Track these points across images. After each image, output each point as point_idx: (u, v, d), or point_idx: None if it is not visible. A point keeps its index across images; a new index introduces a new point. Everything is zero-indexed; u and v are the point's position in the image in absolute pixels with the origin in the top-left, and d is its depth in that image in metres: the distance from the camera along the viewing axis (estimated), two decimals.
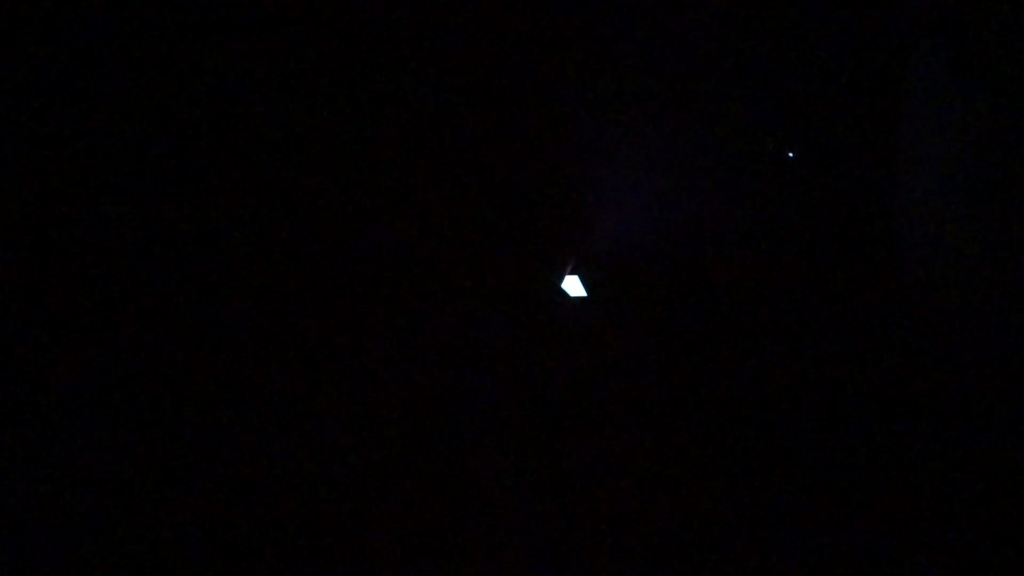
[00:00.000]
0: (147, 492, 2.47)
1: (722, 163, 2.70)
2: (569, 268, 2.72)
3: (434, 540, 2.46)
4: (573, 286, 2.73)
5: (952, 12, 2.43)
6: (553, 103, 2.70)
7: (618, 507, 2.50)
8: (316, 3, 2.59)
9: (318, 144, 2.65)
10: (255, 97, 2.61)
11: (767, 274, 2.68)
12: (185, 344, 2.57)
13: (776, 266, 2.68)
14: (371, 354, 2.61)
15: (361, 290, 2.64)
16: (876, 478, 2.47)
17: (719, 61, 2.69)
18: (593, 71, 2.69)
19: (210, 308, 2.59)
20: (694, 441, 2.57)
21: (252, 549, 2.43)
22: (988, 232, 2.39)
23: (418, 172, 2.67)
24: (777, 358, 2.62)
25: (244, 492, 2.49)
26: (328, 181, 2.65)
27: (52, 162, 2.52)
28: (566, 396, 2.61)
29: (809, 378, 2.58)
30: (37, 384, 2.48)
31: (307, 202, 2.65)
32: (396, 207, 2.66)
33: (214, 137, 2.61)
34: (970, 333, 2.49)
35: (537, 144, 2.70)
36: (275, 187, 2.63)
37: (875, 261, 2.64)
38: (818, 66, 2.65)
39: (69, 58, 2.51)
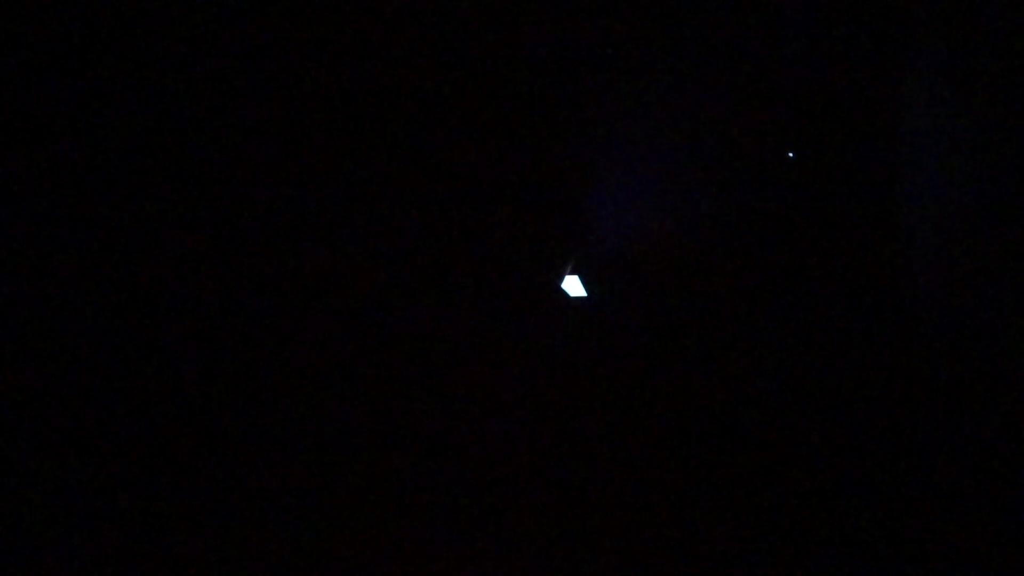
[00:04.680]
0: (146, 492, 2.47)
1: (722, 163, 2.70)
2: (569, 268, 2.72)
3: (432, 542, 2.46)
4: (573, 286, 2.72)
5: (952, 12, 2.43)
6: (553, 102, 2.70)
7: (618, 509, 2.50)
8: (315, 4, 2.59)
9: (317, 143, 2.65)
10: (253, 96, 2.62)
11: (768, 274, 2.68)
12: (184, 345, 2.57)
13: (777, 266, 2.68)
14: (367, 354, 2.61)
15: (359, 290, 2.64)
16: (878, 479, 2.47)
17: (719, 61, 2.69)
18: (593, 70, 2.69)
19: (202, 313, 2.59)
20: (695, 442, 2.57)
21: (252, 550, 2.43)
22: (988, 232, 2.39)
23: (416, 171, 2.67)
24: (778, 358, 2.62)
25: (243, 493, 2.49)
26: (326, 180, 2.65)
27: (52, 161, 2.53)
28: (566, 396, 2.61)
29: (810, 377, 2.58)
30: (36, 383, 2.49)
31: (306, 201, 2.65)
32: (394, 207, 2.66)
33: (212, 137, 2.61)
34: (970, 334, 2.49)
35: (537, 143, 2.70)
36: (274, 187, 2.63)
37: (876, 261, 2.64)
38: (818, 66, 2.65)
39: (68, 57, 2.51)
